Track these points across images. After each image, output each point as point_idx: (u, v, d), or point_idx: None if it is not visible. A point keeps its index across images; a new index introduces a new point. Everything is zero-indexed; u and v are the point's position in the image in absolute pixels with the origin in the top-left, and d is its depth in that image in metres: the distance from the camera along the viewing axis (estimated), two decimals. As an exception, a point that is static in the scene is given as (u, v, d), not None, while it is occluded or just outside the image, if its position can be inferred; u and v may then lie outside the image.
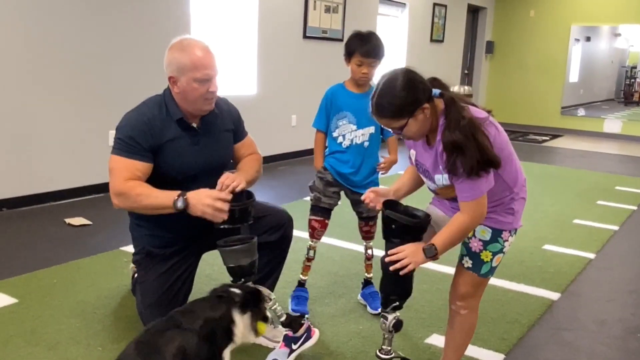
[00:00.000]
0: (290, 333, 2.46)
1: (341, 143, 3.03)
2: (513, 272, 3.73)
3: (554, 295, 3.41)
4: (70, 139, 5.00)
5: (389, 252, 2.12)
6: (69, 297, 3.11)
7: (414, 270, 2.12)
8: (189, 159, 2.51)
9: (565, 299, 3.41)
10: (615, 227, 4.92)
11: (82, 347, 2.60)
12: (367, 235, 3.19)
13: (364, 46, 2.91)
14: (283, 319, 2.42)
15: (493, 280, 3.50)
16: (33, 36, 4.65)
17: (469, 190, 1.99)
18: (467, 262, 2.22)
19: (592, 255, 4.17)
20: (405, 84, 1.96)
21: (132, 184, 2.38)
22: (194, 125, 2.56)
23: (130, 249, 3.78)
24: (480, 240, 2.18)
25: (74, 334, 2.71)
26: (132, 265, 3.21)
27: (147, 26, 5.46)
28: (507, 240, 2.18)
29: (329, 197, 3.04)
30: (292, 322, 2.46)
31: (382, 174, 3.13)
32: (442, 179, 2.08)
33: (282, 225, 2.68)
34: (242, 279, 2.36)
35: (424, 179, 2.24)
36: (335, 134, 3.04)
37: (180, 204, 2.30)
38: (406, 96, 1.95)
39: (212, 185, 2.41)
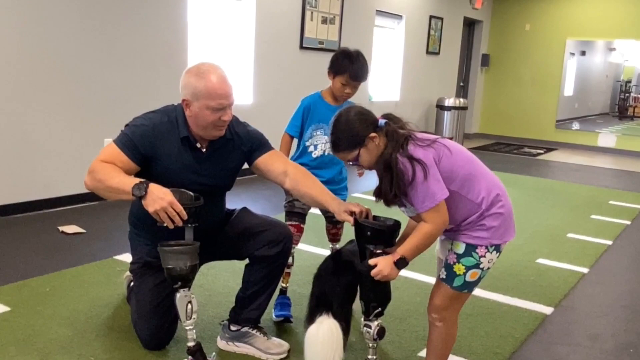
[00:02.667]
0: None
1: (311, 152, 3.10)
2: (506, 285, 3.73)
3: (547, 310, 3.42)
4: (65, 146, 4.99)
5: (371, 273, 2.20)
6: (62, 305, 3.09)
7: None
8: (184, 177, 2.49)
9: (559, 313, 3.41)
10: (609, 242, 4.93)
11: (74, 357, 2.59)
12: (334, 238, 3.32)
13: (353, 68, 2.97)
14: (191, 344, 2.39)
15: (486, 294, 3.52)
16: (29, 44, 4.65)
17: (421, 201, 2.10)
18: (442, 274, 2.27)
19: (585, 270, 4.17)
20: (354, 116, 2.19)
21: (106, 165, 2.37)
22: (199, 145, 2.55)
23: (123, 257, 3.79)
24: (454, 253, 2.23)
25: (66, 343, 2.70)
26: (127, 273, 3.20)
27: (144, 35, 5.47)
28: (483, 256, 2.19)
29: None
30: (197, 352, 2.40)
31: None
32: (408, 205, 2.21)
33: (281, 240, 2.66)
34: (179, 283, 2.34)
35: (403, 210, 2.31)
36: (307, 143, 3.11)
37: (137, 191, 2.24)
38: (355, 127, 2.17)
39: (207, 206, 2.41)
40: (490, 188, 2.19)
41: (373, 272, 2.17)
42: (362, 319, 2.33)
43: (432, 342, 2.39)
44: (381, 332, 2.31)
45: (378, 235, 2.27)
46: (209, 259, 2.79)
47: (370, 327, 2.29)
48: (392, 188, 2.10)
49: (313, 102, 3.13)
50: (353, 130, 2.17)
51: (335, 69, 3.03)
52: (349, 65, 2.98)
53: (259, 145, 2.70)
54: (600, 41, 12.74)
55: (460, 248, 2.21)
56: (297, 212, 3.08)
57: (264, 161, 2.68)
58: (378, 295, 2.29)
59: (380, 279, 2.19)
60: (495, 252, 2.21)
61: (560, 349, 2.97)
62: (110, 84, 5.24)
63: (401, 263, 2.16)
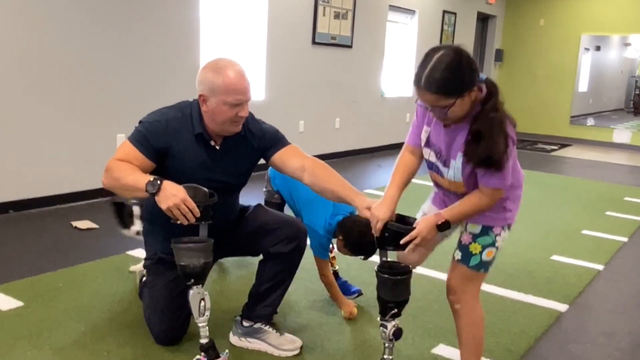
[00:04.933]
0: (203, 359, 2.38)
1: None
2: (521, 282, 3.70)
3: (562, 307, 3.39)
4: (78, 142, 5.01)
5: (407, 238, 2.14)
6: (75, 301, 3.10)
7: (410, 277, 2.24)
8: (198, 174, 2.47)
9: (573, 310, 3.38)
10: (624, 239, 4.88)
11: (87, 352, 2.59)
12: None
13: (365, 253, 2.90)
14: (204, 341, 2.37)
15: (500, 291, 3.50)
16: (42, 41, 4.67)
17: (497, 179, 2.06)
18: (457, 255, 2.28)
19: (600, 267, 4.14)
20: (467, 63, 1.96)
21: (121, 163, 2.37)
22: (213, 143, 2.54)
23: (136, 253, 3.79)
24: (470, 233, 2.24)
25: (79, 338, 2.71)
26: (137, 268, 3.21)
27: (156, 32, 5.47)
28: (498, 235, 2.23)
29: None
30: (210, 349, 2.38)
31: None
32: (455, 166, 2.13)
33: (295, 237, 2.65)
34: (192, 280, 2.33)
35: (434, 164, 2.24)
36: None
37: (151, 188, 2.23)
38: (464, 75, 1.96)
39: (220, 203, 2.40)
40: (518, 176, 2.22)
41: (413, 234, 2.12)
42: (379, 319, 2.31)
43: (458, 328, 2.39)
44: (397, 333, 2.27)
45: (398, 238, 2.21)
46: (222, 255, 2.79)
47: (386, 327, 2.26)
48: (505, 150, 1.99)
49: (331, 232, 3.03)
50: (464, 76, 1.94)
51: (347, 243, 2.96)
52: None
53: (274, 141, 2.67)
54: (615, 36, 12.62)
55: (477, 228, 2.22)
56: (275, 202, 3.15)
57: (280, 157, 2.64)
58: (395, 295, 2.25)
59: (416, 243, 2.13)
60: (508, 230, 2.25)
61: (575, 347, 2.94)
62: (122, 80, 5.25)
63: (444, 226, 2.13)
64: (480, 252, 2.23)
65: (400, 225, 2.21)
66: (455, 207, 2.16)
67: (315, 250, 3.04)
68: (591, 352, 2.90)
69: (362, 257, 2.89)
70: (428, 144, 2.23)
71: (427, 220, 2.14)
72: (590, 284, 3.81)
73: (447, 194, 2.32)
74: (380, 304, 2.28)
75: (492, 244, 2.23)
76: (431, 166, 2.27)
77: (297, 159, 2.63)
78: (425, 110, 2.19)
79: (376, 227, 2.19)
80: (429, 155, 2.24)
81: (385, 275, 2.23)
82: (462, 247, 2.27)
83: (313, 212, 3.00)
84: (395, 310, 2.25)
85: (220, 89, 2.38)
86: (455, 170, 2.14)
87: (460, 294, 2.31)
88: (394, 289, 2.25)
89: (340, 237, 2.93)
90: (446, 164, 2.17)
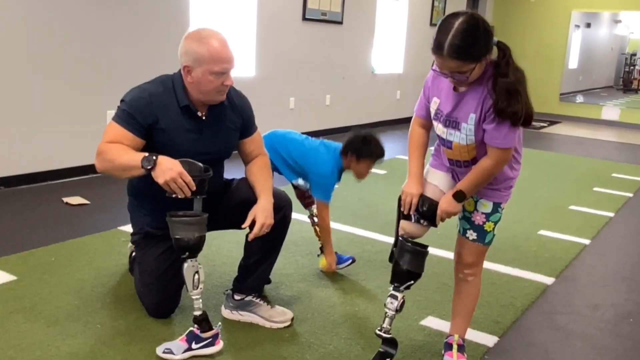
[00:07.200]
0: (197, 330, 2.41)
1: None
2: (508, 256, 3.76)
3: (549, 280, 3.45)
4: (68, 118, 5.00)
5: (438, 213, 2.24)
6: (68, 275, 3.13)
7: (427, 253, 2.35)
8: (187, 146, 2.49)
9: (560, 283, 3.44)
10: (611, 214, 4.95)
11: (80, 324, 2.63)
12: (310, 201, 3.40)
13: (378, 152, 3.15)
14: (198, 313, 2.40)
15: (488, 264, 3.54)
16: (34, 17, 4.63)
17: (504, 137, 2.10)
18: (472, 235, 2.37)
19: (587, 241, 4.20)
20: (486, 30, 2.01)
21: (112, 145, 2.38)
22: (200, 114, 2.55)
23: (127, 228, 3.80)
24: (482, 213, 2.34)
25: (72, 311, 2.74)
26: (130, 244, 3.23)
27: (146, 7, 5.43)
28: (503, 209, 2.36)
29: None
30: (204, 321, 2.42)
31: None
32: (466, 128, 2.15)
33: (281, 207, 2.67)
34: (187, 253, 2.37)
35: (442, 131, 2.26)
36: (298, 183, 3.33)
37: (146, 163, 2.26)
38: (484, 40, 2.01)
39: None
40: (520, 151, 2.32)
41: (439, 213, 2.23)
42: (391, 289, 2.34)
43: (464, 299, 2.51)
44: (402, 306, 2.35)
45: (432, 211, 2.26)
46: (209, 229, 2.80)
47: (396, 298, 2.32)
48: (516, 109, 2.06)
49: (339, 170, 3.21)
50: (484, 41, 2.00)
51: (358, 155, 3.13)
52: (373, 150, 3.13)
53: (249, 125, 2.75)
54: (605, 13, 12.64)
55: (488, 207, 2.33)
56: None
57: (248, 142, 2.76)
58: (416, 267, 2.32)
59: (444, 217, 2.24)
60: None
61: (561, 318, 3.00)
62: (113, 56, 5.22)
63: (459, 196, 2.20)
64: (493, 229, 2.36)
65: (432, 199, 2.28)
66: (466, 178, 2.23)
67: (321, 195, 3.15)
68: (575, 323, 2.96)
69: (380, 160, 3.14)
70: (437, 115, 2.26)
71: (446, 197, 2.24)
72: (576, 257, 3.87)
73: (439, 161, 2.41)
74: (398, 274, 2.33)
75: (499, 219, 2.36)
76: (443, 142, 2.31)
77: (254, 147, 2.77)
78: (433, 82, 2.24)
79: (412, 202, 2.27)
80: (437, 126, 2.28)
81: (409, 244, 2.31)
82: (477, 227, 2.36)
83: (317, 160, 3.15)
84: (412, 281, 2.33)
85: (205, 59, 2.39)
86: (467, 132, 2.16)
87: (475, 268, 2.45)
88: (417, 260, 2.33)
89: (350, 152, 3.11)
90: (457, 126, 2.19)
